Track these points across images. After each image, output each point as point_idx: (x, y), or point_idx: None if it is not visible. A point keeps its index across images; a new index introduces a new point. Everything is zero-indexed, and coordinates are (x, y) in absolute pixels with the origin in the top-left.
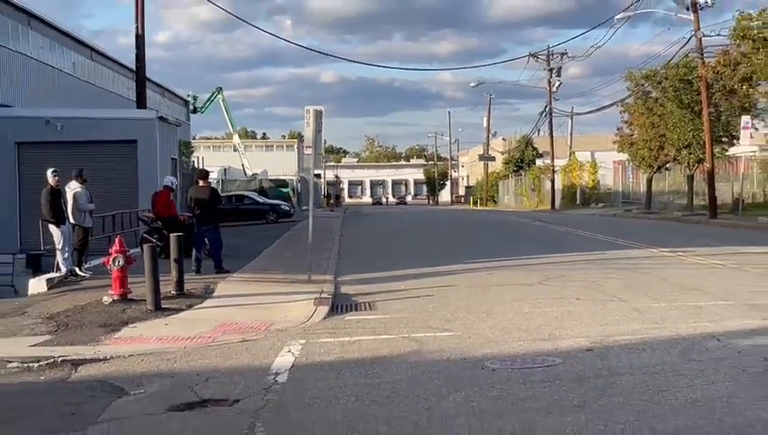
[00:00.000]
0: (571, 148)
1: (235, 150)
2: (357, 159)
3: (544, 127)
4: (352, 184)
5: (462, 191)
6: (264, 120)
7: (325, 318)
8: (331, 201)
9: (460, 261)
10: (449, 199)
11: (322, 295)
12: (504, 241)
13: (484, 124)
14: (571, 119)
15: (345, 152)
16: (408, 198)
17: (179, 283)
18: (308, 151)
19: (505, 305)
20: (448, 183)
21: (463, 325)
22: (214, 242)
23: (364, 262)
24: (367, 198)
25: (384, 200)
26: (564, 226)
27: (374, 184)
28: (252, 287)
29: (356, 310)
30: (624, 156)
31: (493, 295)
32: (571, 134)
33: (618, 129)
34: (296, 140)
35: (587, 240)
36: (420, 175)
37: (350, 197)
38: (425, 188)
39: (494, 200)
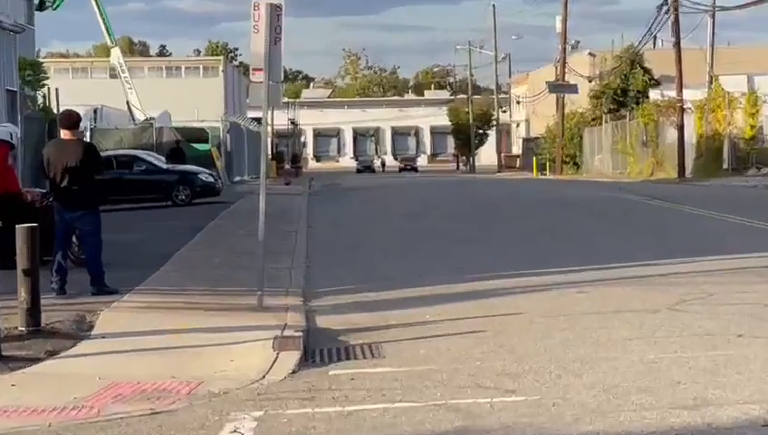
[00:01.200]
0: (712, 68)
1: (113, 77)
2: (330, 92)
3: (665, 33)
4: (322, 135)
5: (517, 148)
6: (163, 22)
7: (294, 372)
8: (286, 166)
9: (524, 269)
10: (494, 162)
11: (286, 332)
12: (600, 235)
13: (558, 28)
14: (712, 18)
15: (307, 80)
16: (421, 161)
17: (33, 312)
18: (258, 78)
19: (612, 348)
20: (493, 133)
21: (540, 384)
22: (89, 239)
23: (353, 271)
24: (347, 161)
25: (378, 164)
26: (704, 208)
27: (360, 135)
28: (159, 319)
29: (347, 357)
30: None
31: (588, 331)
32: (713, 46)
33: None
34: (221, 59)
35: (750, 232)
36: (442, 119)
37: (316, 158)
38: (451, 143)
39: (574, 163)
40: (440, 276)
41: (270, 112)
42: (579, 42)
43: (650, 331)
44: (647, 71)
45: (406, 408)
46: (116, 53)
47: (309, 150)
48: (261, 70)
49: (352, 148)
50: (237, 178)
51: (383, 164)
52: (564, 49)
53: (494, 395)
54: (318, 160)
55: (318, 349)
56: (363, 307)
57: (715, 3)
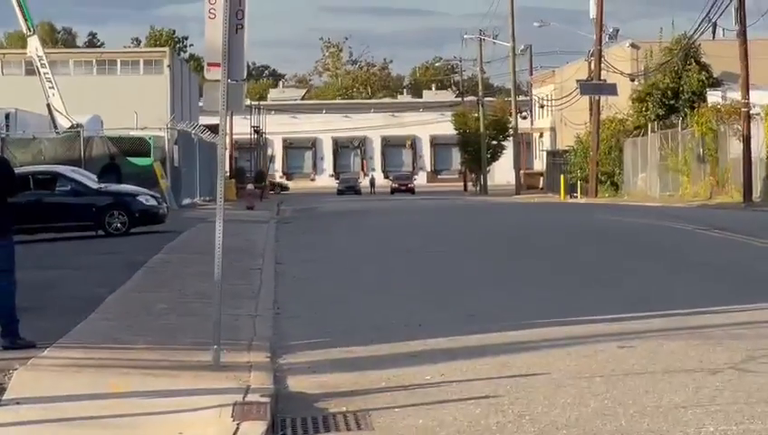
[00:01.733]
0: None
1: (31, 73)
2: (304, 93)
3: (726, 20)
4: (293, 147)
5: (540, 163)
6: (92, 4)
7: None
8: (248, 186)
9: (551, 317)
10: (511, 181)
11: (249, 397)
12: (646, 275)
13: (592, 12)
14: None
15: (276, 77)
16: (420, 179)
17: None
18: (214, 76)
19: (661, 419)
20: (509, 145)
21: None
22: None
23: (335, 319)
24: (326, 180)
25: (365, 183)
26: None
27: (342, 147)
28: (89, 381)
29: (326, 429)
30: None
31: (631, 396)
32: None
33: None
34: (167, 51)
35: None
36: (446, 127)
37: (287, 176)
38: (456, 157)
39: (612, 183)
40: (444, 326)
41: (228, 119)
42: (618, 30)
43: (709, 396)
44: (704, 67)
45: None
46: (34, 44)
47: (278, 166)
48: (218, 65)
49: (332, 163)
50: (187, 202)
51: (372, 183)
52: (600, 39)
53: None
54: (289, 179)
55: (289, 418)
56: (347, 365)
57: None
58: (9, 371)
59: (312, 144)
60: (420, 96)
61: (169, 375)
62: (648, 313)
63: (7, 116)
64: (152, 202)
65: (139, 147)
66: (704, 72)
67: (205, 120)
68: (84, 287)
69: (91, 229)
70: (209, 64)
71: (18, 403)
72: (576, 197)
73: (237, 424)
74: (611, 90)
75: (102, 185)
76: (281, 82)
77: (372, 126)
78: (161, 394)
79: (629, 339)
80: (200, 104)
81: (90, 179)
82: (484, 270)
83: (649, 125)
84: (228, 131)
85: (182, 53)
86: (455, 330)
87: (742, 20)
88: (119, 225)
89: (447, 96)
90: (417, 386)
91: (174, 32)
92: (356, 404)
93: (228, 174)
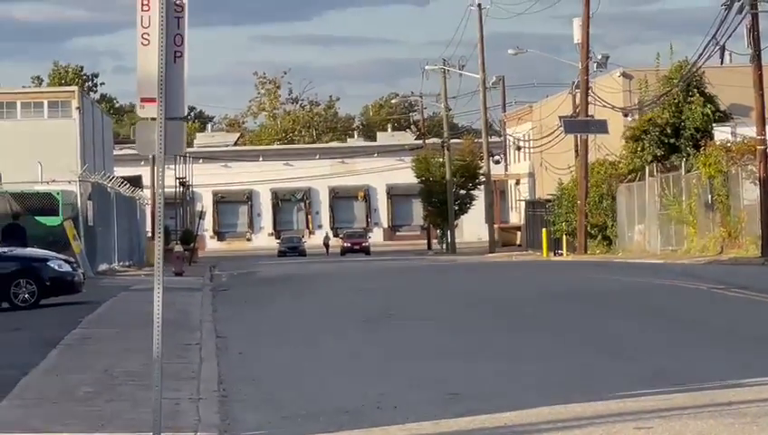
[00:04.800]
0: None
1: None
2: (237, 138)
3: (736, 44)
4: (225, 202)
5: (518, 216)
6: None
7: None
8: (176, 248)
9: (552, 395)
10: (484, 237)
11: None
12: (660, 343)
13: (576, 37)
14: None
15: (202, 120)
16: (376, 237)
17: None
18: (149, 113)
19: None
20: (481, 195)
21: None
22: None
23: (293, 401)
24: (264, 239)
25: (315, 241)
26: None
27: (283, 201)
28: None
29: None
30: None
31: None
32: None
33: None
34: (75, 91)
35: None
36: (405, 175)
37: (218, 235)
38: (418, 211)
39: (604, 237)
40: (423, 408)
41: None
42: (608, 57)
43: None
44: (710, 99)
45: None
46: None
47: (207, 225)
48: (153, 100)
49: (272, 219)
50: (103, 267)
51: (327, 244)
52: (587, 68)
53: None
54: (221, 239)
55: None
56: None
57: None
58: None
59: (248, 197)
60: (374, 139)
61: None
62: (669, 387)
63: None
64: (66, 268)
65: (45, 203)
66: (709, 105)
67: (121, 171)
68: None
69: None
70: (143, 99)
71: None
72: (561, 254)
73: None
74: (601, 127)
75: (6, 249)
76: (209, 126)
77: (318, 175)
78: None
79: (648, 419)
80: (115, 153)
81: None
82: (464, 343)
83: (647, 168)
84: (150, 184)
85: (92, 93)
86: (437, 412)
87: (755, 42)
88: (27, 295)
89: (406, 138)
90: None
91: (82, 68)
92: None
93: (150, 234)
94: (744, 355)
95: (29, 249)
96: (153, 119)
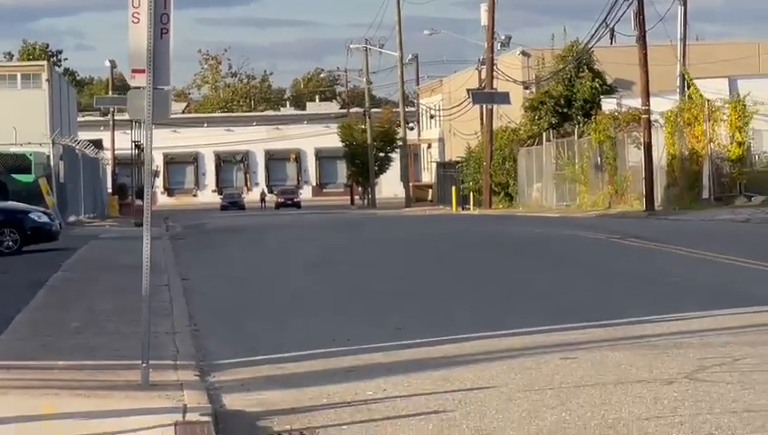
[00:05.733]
0: (685, 69)
1: None
2: (184, 107)
3: (624, 26)
4: (175, 162)
5: (429, 175)
6: None
7: None
8: (137, 201)
9: (481, 331)
10: (400, 194)
11: (189, 416)
12: (569, 284)
13: (483, 20)
14: (683, 6)
15: None
16: (305, 193)
17: None
18: (139, 82)
19: (625, 431)
20: (397, 158)
21: None
22: None
23: (257, 335)
24: (209, 195)
25: (261, 197)
26: (697, 247)
27: (224, 162)
28: (7, 403)
29: None
30: None
31: (588, 409)
32: (685, 40)
33: None
34: (45, 65)
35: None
36: (331, 139)
37: (168, 192)
38: (343, 171)
39: (506, 194)
40: (374, 341)
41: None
42: (510, 38)
43: (670, 407)
44: (597, 74)
45: None
46: None
47: (158, 182)
48: (143, 71)
49: (215, 178)
50: (72, 219)
51: (263, 199)
52: (492, 46)
53: None
54: (170, 195)
55: None
56: (280, 382)
57: None
58: None
59: (194, 159)
60: (304, 108)
61: (100, 396)
62: (586, 323)
63: None
64: (45, 219)
65: (19, 163)
66: (597, 80)
67: (83, 135)
68: None
69: None
70: (134, 71)
71: None
72: (468, 208)
73: None
74: (504, 98)
75: None
76: None
77: (255, 139)
78: (96, 415)
79: (571, 350)
80: (79, 119)
81: None
82: (396, 284)
83: (543, 134)
84: (147, 144)
85: (56, 67)
86: (384, 345)
87: (641, 25)
88: (10, 243)
89: (332, 108)
90: (361, 402)
91: (48, 45)
92: (300, 422)
93: (111, 190)
94: (648, 295)
95: (11, 202)
96: (143, 87)
